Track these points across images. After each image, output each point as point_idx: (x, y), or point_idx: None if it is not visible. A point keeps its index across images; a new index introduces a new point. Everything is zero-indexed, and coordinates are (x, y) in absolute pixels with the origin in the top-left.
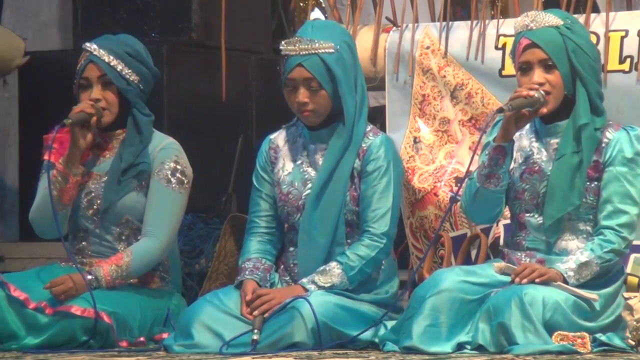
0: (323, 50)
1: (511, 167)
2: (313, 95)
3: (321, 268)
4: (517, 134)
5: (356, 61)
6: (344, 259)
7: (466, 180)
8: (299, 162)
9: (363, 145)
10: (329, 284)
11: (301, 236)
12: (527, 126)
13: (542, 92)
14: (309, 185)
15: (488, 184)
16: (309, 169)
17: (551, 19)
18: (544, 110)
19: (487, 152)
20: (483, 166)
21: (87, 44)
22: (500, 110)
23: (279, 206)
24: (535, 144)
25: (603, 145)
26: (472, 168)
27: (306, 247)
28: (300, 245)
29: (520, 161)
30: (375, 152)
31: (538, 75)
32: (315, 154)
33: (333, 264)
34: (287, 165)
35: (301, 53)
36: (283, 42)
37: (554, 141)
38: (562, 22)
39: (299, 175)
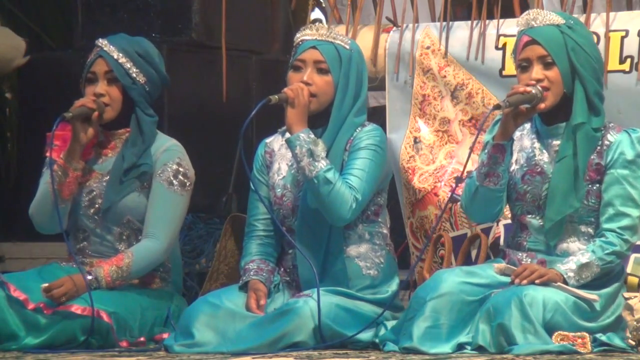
0: (339, 42)
1: (512, 168)
2: (319, 79)
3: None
4: (518, 133)
5: (364, 73)
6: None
7: (465, 179)
8: (293, 164)
9: (351, 137)
10: None
11: (299, 222)
12: (528, 126)
13: (539, 88)
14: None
15: (487, 183)
16: None
17: (553, 17)
18: (542, 106)
19: (486, 151)
20: (482, 164)
21: (100, 40)
22: (497, 106)
23: (274, 210)
24: (537, 145)
25: (605, 147)
26: (470, 167)
27: (304, 235)
28: (298, 236)
29: (522, 162)
30: (359, 136)
31: (536, 71)
32: None
33: None
34: (282, 169)
35: (318, 38)
36: (300, 30)
37: (555, 142)
38: (563, 21)
39: (292, 178)
